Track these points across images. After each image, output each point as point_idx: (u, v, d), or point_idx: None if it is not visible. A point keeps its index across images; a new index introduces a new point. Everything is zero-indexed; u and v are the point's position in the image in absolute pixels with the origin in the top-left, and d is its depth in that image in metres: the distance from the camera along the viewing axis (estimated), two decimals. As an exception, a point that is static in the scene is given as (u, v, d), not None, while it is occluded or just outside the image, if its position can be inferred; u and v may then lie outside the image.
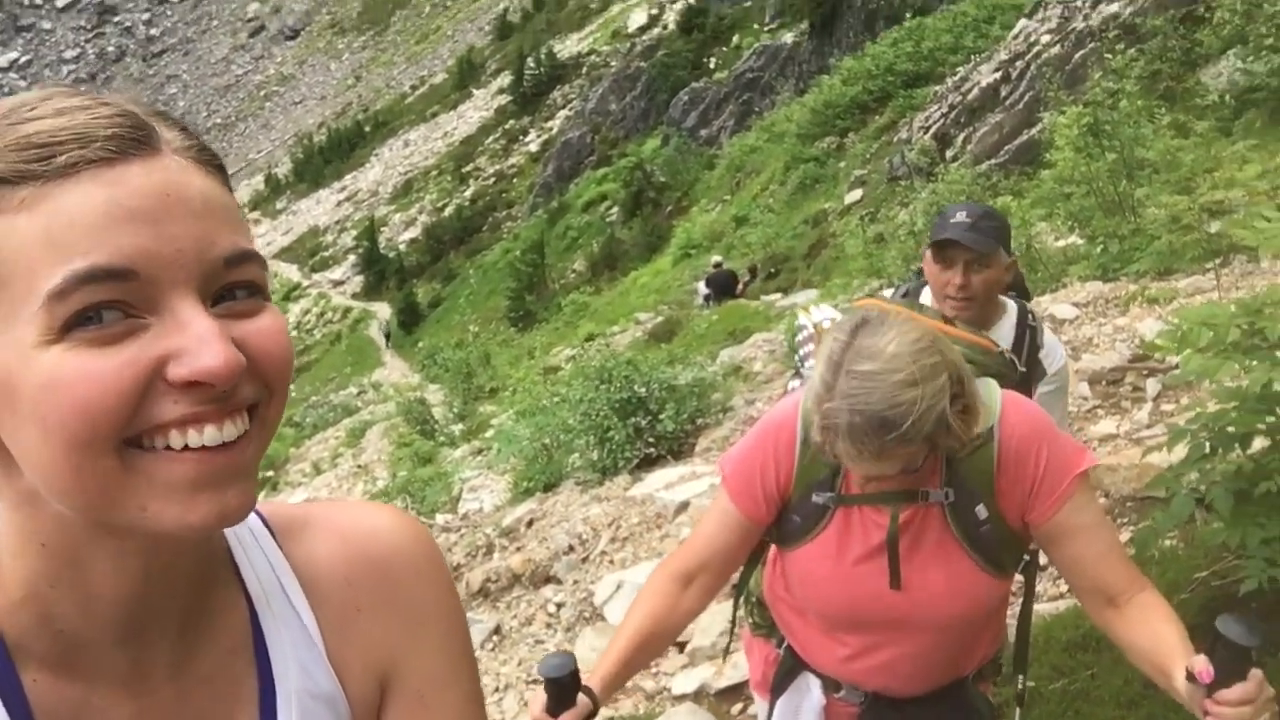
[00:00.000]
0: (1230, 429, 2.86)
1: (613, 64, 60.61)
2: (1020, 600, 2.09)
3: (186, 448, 0.63)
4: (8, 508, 0.68)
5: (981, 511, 1.74)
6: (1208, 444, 2.95)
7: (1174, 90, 12.31)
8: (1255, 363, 2.67)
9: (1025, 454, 1.72)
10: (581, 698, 1.63)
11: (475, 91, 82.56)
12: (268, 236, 77.38)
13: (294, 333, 49.90)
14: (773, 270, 20.98)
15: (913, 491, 1.74)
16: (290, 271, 66.82)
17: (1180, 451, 3.21)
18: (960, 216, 2.66)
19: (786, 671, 2.02)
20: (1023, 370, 2.16)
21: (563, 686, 1.59)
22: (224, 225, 0.66)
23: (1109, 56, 10.58)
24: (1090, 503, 1.73)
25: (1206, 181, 6.90)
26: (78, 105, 0.64)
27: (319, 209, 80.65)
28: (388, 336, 46.58)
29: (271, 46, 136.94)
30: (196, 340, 0.61)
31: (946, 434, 1.59)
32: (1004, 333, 2.75)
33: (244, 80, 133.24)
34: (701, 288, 20.63)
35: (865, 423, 1.52)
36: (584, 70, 67.43)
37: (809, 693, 1.98)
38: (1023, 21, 18.87)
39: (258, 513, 0.84)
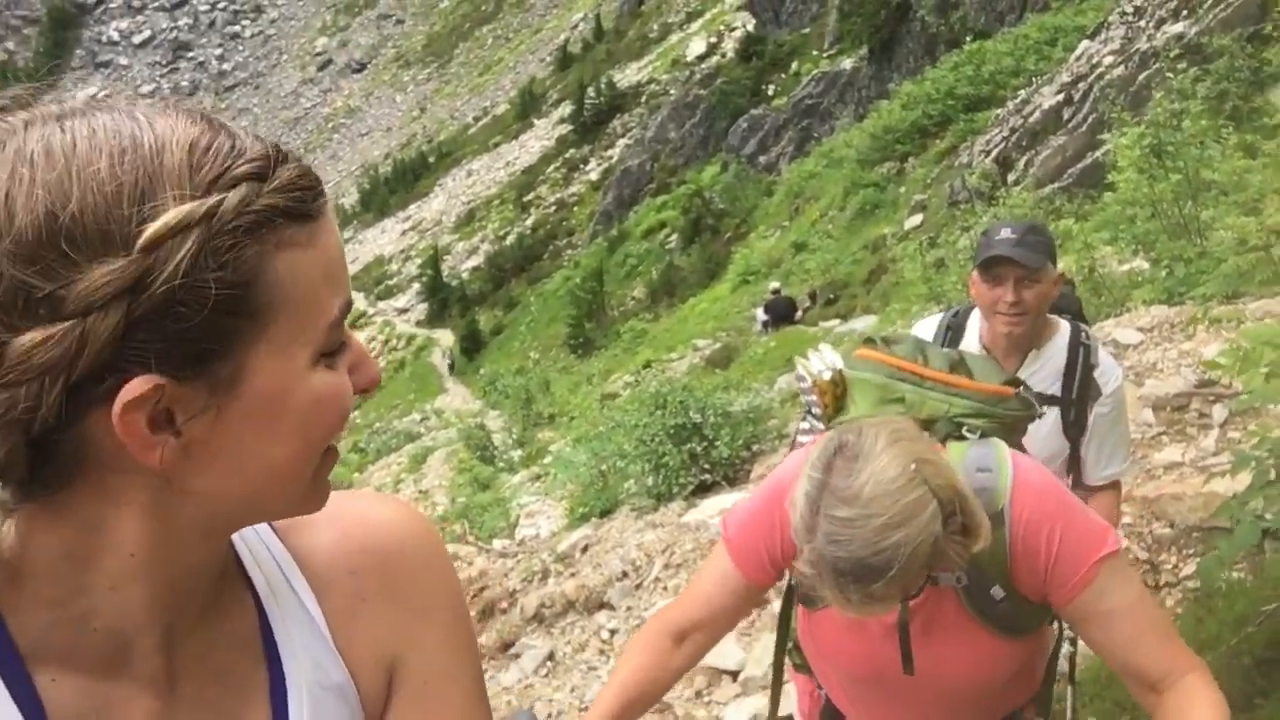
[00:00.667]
0: (1295, 454, 2.78)
1: (672, 92, 60.92)
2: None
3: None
4: (123, 515, 0.68)
5: (997, 592, 1.65)
6: (1273, 470, 2.87)
7: (1241, 110, 12.03)
8: (1321, 387, 2.60)
9: (1036, 538, 1.62)
10: None
11: (536, 121, 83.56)
12: (334, 265, 78.42)
13: (358, 360, 50.49)
14: (832, 296, 20.86)
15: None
16: (356, 300, 67.55)
17: (1245, 479, 3.12)
18: (1006, 234, 2.65)
19: (826, 716, 1.98)
20: (1041, 411, 2.04)
21: None
22: None
23: (1170, 76, 10.39)
24: (1116, 586, 1.61)
25: (1275, 202, 6.73)
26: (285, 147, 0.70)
27: (384, 238, 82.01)
28: (451, 365, 47.03)
29: (339, 80, 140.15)
30: (365, 356, 0.74)
31: (942, 559, 1.50)
32: (1056, 350, 2.71)
33: (312, 113, 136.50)
34: (760, 314, 20.60)
35: (849, 569, 1.43)
36: (643, 99, 67.87)
37: None
38: (1085, 43, 18.60)
39: None
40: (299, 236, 0.66)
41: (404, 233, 79.82)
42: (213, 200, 0.62)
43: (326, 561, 0.84)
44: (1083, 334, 2.77)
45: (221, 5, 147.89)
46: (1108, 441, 2.75)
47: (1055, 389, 2.66)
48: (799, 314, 20.11)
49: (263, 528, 0.84)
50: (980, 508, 1.53)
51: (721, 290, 28.71)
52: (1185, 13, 15.31)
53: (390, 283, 69.83)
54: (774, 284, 22.31)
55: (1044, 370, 2.68)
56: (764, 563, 1.76)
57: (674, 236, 40.99)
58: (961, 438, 1.73)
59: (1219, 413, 4.94)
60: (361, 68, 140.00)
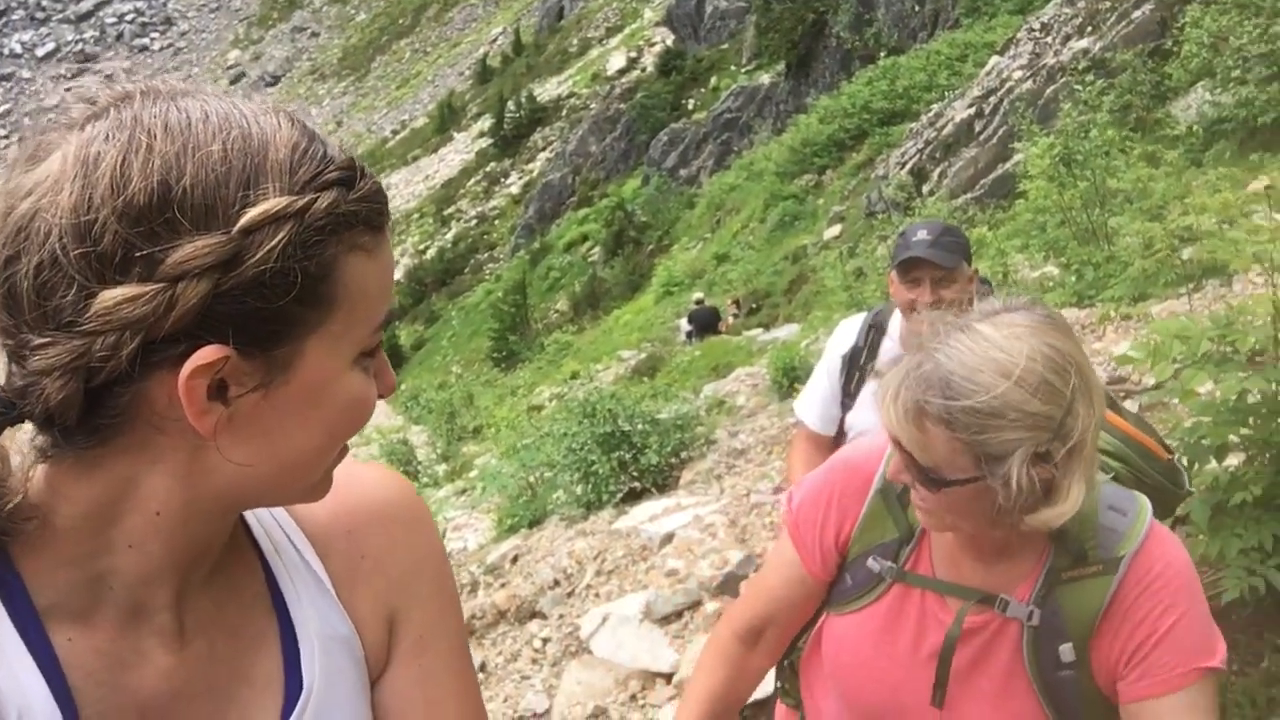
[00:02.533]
0: (1205, 441, 2.91)
1: (592, 106, 61.10)
2: None
3: None
4: (156, 474, 0.70)
5: (1067, 653, 1.36)
6: (1183, 458, 3.00)
7: (1144, 122, 12.54)
8: (1228, 374, 2.72)
9: (1149, 607, 1.34)
10: None
11: (456, 135, 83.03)
12: (249, 282, 76.98)
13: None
14: (754, 305, 21.11)
15: (991, 595, 1.40)
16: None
17: (1157, 467, 3.25)
18: (922, 235, 2.71)
19: None
20: (1188, 490, 1.82)
21: None
22: None
23: (1079, 88, 10.79)
24: (1202, 707, 1.33)
25: (1177, 209, 7.01)
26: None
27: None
28: (377, 391, 46.14)
29: (252, 93, 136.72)
30: (386, 365, 0.78)
31: (1000, 482, 1.24)
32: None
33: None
34: (684, 324, 20.76)
35: (926, 374, 1.24)
36: (564, 113, 67.93)
37: None
38: (995, 58, 19.19)
39: None
40: (368, 243, 0.72)
41: (321, 248, 78.52)
42: (308, 198, 0.68)
43: (325, 522, 0.88)
44: None
45: (130, 17, 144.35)
46: None
47: None
48: (729, 320, 20.31)
49: None
50: (1084, 480, 1.27)
51: (645, 302, 28.85)
52: (1090, 29, 15.89)
53: (308, 299, 68.60)
54: (698, 294, 22.51)
55: None
56: (816, 549, 1.55)
57: (596, 249, 41.05)
58: None
59: (1130, 407, 5.12)
60: (275, 81, 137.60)
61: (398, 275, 61.71)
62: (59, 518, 0.70)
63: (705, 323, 19.96)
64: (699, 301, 21.40)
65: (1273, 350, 2.80)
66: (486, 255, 57.13)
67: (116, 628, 0.74)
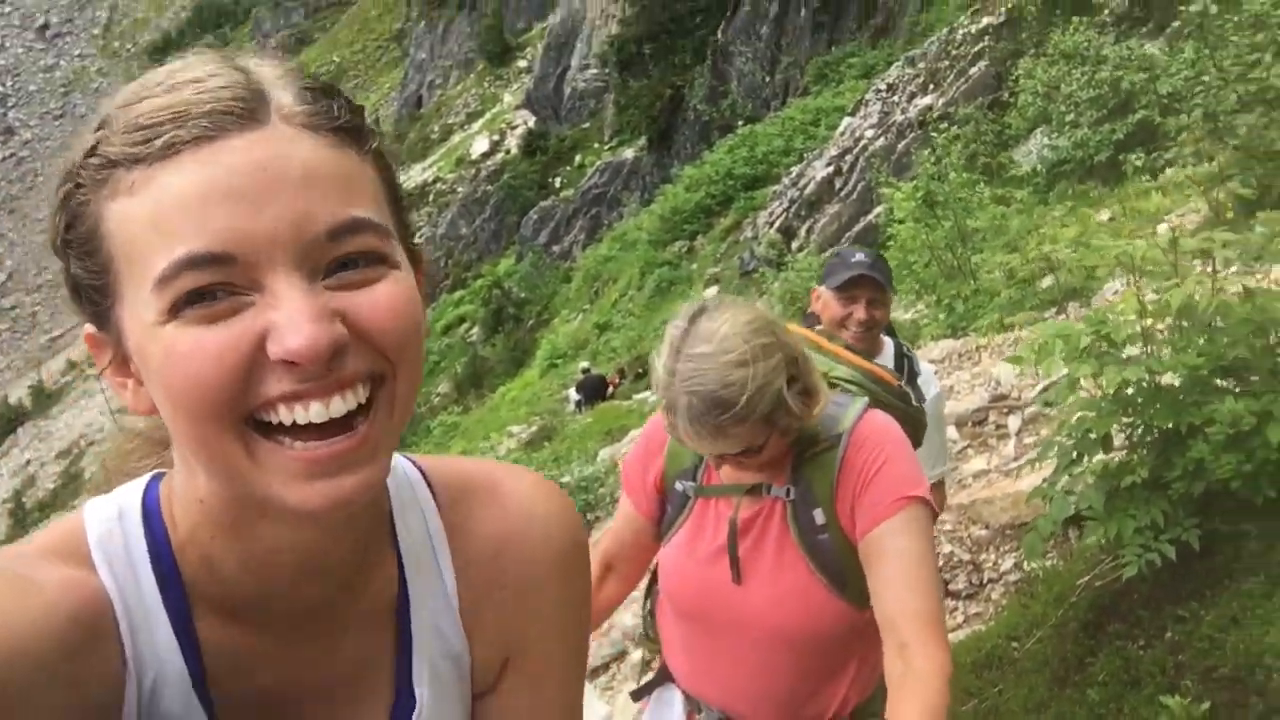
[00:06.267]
0: (1091, 435, 3.13)
1: (459, 190, 61.25)
2: None
3: (295, 425, 0.64)
4: (177, 462, 0.74)
5: (819, 516, 1.71)
6: (1074, 452, 3.21)
7: (991, 168, 13.35)
8: (1108, 367, 2.94)
9: (863, 459, 1.70)
10: None
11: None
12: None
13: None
14: (640, 370, 21.29)
15: (759, 485, 1.77)
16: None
17: (1049, 468, 3.46)
18: (860, 256, 2.91)
19: (657, 677, 1.99)
20: (917, 405, 2.15)
21: None
22: (328, 196, 0.64)
23: (934, 135, 11.45)
24: (911, 532, 1.64)
25: (1033, 241, 7.50)
26: (191, 79, 0.65)
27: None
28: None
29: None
30: (286, 319, 0.62)
31: (785, 413, 1.63)
32: (885, 362, 2.98)
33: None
34: (572, 394, 20.76)
35: (701, 403, 1.58)
36: (431, 198, 67.82)
37: (672, 707, 1.94)
38: (847, 119, 20.16)
39: (422, 472, 0.86)
40: (122, 184, 0.63)
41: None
42: (75, 155, 0.66)
43: (477, 539, 0.85)
44: (904, 348, 3.07)
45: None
46: (931, 444, 3.02)
47: None
48: (610, 390, 20.41)
49: (424, 495, 0.85)
50: (820, 378, 1.72)
51: (530, 376, 28.74)
52: (932, 86, 16.88)
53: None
54: (584, 364, 22.59)
55: None
56: (640, 490, 1.91)
57: (475, 329, 40.84)
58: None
59: (1014, 422, 5.42)
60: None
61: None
62: (177, 502, 0.75)
63: (594, 390, 20.03)
64: (585, 370, 21.50)
65: (1142, 343, 3.04)
66: (362, 345, 56.16)
67: (238, 617, 0.74)
